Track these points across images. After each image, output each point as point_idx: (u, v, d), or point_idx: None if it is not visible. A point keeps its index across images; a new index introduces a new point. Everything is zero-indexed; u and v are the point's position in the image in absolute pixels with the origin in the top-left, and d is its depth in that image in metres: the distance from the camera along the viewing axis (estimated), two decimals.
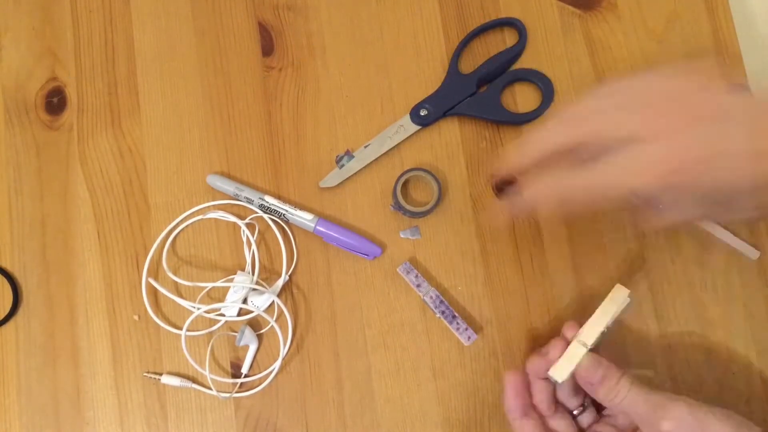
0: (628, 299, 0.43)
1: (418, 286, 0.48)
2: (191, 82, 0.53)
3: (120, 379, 0.49)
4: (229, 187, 0.50)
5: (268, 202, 0.49)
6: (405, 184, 0.50)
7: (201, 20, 0.54)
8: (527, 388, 0.44)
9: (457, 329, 0.47)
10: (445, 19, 0.53)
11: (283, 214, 0.49)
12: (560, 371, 0.42)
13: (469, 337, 0.47)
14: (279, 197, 0.50)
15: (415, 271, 0.48)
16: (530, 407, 0.43)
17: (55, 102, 0.53)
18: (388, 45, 0.53)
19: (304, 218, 0.49)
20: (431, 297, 0.48)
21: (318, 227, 0.49)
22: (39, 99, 0.53)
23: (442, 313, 0.47)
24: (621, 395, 0.40)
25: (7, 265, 0.51)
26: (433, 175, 0.49)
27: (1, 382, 0.50)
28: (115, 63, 0.53)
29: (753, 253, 0.48)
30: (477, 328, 0.49)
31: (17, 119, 0.53)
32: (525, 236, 0.50)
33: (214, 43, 0.53)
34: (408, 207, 0.48)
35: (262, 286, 0.49)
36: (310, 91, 0.52)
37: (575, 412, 0.44)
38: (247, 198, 0.50)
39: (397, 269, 0.49)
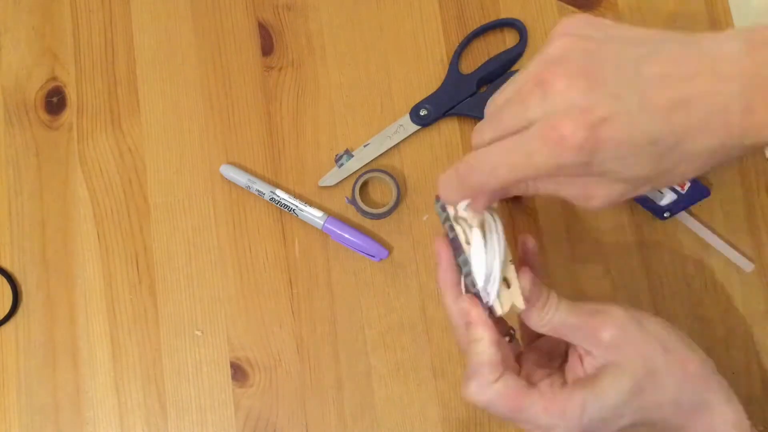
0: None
1: None
2: (191, 82, 0.53)
3: (120, 379, 0.49)
4: (241, 178, 0.50)
5: (279, 196, 0.49)
6: (365, 186, 0.50)
7: (201, 20, 0.54)
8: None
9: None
10: (445, 20, 0.53)
11: (293, 209, 0.49)
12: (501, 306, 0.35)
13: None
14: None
15: None
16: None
17: (54, 102, 0.53)
18: (388, 45, 0.53)
19: (313, 215, 0.49)
20: None
21: (327, 225, 0.49)
22: (39, 99, 0.53)
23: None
24: (552, 312, 0.35)
25: (7, 265, 0.51)
26: (392, 177, 0.49)
27: (1, 382, 0.50)
28: (115, 63, 0.53)
29: (747, 266, 0.48)
30: None
31: (17, 119, 0.53)
32: None
33: (214, 43, 0.53)
34: (365, 208, 0.49)
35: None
36: (309, 91, 0.52)
37: (506, 339, 0.40)
38: (258, 190, 0.50)
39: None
